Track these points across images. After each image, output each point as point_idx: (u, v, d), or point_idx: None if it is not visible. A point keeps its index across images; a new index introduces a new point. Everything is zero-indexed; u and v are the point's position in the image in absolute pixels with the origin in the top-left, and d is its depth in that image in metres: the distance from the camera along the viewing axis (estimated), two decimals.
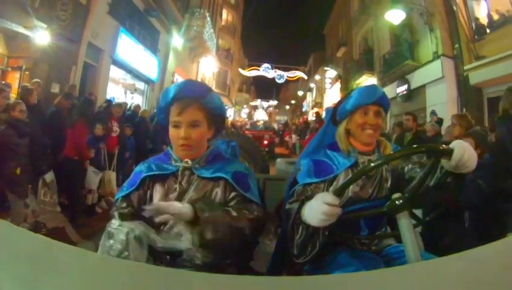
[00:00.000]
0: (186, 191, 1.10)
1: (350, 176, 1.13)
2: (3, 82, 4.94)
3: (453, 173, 0.94)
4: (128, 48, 8.20)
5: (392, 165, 1.20)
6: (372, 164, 0.92)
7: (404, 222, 0.89)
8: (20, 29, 5.13)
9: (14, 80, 5.65)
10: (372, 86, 1.27)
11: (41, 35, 5.29)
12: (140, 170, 1.16)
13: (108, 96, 7.12)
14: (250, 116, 31.42)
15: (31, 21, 5.13)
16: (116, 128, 4.66)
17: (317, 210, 0.91)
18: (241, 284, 0.57)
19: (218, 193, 1.11)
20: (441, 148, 0.92)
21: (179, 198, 1.08)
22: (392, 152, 1.22)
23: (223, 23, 21.25)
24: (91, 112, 5.15)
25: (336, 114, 1.29)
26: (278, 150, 13.68)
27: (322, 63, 24.65)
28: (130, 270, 0.61)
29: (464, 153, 0.88)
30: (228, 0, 21.96)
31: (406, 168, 1.17)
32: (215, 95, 1.16)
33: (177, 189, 1.10)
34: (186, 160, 1.11)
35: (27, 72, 5.69)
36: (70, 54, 5.97)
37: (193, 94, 1.08)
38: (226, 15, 21.97)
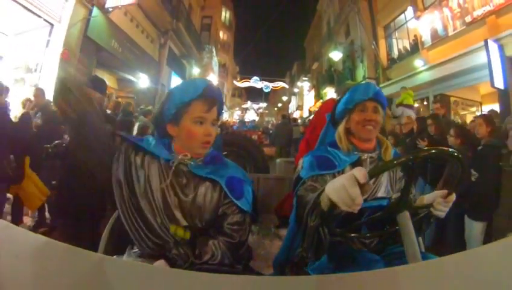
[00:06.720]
0: (180, 187, 1.03)
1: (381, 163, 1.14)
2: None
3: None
4: (174, 81, 13.22)
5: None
6: (403, 158, 0.83)
7: (404, 222, 0.87)
8: (130, 77, 9.91)
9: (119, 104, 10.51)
10: (366, 83, 1.26)
11: (143, 81, 10.13)
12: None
13: None
14: (242, 117, 33.59)
15: (137, 73, 9.91)
16: None
17: (345, 188, 0.75)
18: (241, 284, 0.56)
19: (214, 196, 1.05)
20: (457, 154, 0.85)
21: (174, 193, 1.03)
22: (391, 152, 1.20)
23: (220, 42, 24.85)
24: None
25: (334, 115, 1.30)
26: (267, 150, 12.44)
27: (303, 72, 27.90)
28: (130, 270, 0.60)
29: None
30: (224, 23, 25.65)
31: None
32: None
33: (171, 182, 1.03)
34: (185, 153, 1.04)
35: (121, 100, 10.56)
36: (154, 90, 10.95)
37: (218, 97, 1.07)
38: (222, 35, 25.55)
